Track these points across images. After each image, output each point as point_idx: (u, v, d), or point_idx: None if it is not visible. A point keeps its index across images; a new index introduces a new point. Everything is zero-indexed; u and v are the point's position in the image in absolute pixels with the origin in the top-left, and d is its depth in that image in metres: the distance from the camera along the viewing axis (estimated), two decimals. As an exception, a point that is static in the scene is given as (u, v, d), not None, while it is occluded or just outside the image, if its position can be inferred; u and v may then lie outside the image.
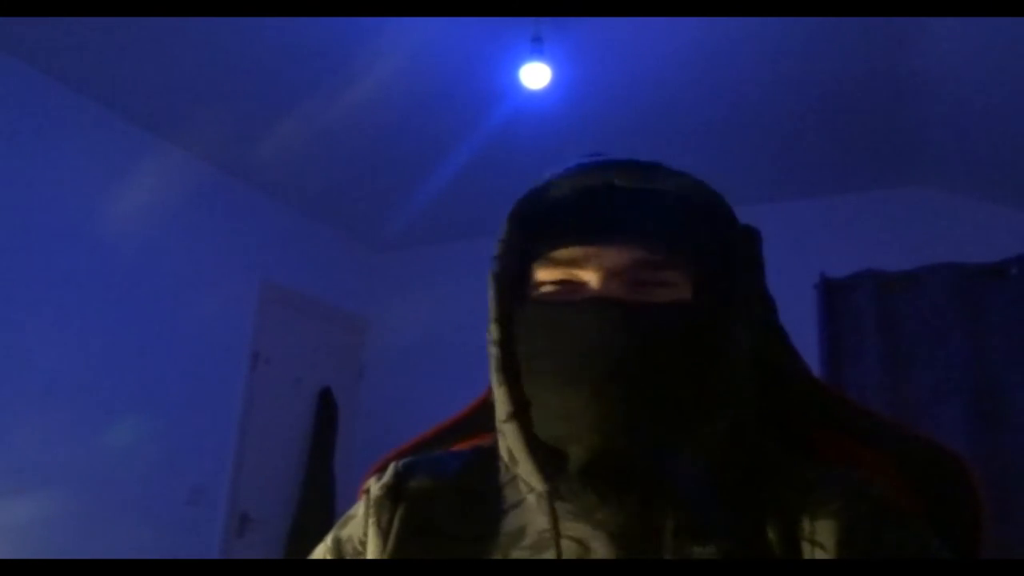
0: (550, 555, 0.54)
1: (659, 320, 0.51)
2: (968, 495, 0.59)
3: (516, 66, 2.46)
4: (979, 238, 2.78)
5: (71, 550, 2.59)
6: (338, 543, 0.63)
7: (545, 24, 2.33)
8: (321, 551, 0.64)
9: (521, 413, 0.55)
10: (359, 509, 0.64)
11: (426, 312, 3.94)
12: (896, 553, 0.50)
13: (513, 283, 0.57)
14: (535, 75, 2.44)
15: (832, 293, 2.70)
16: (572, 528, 0.54)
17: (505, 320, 0.56)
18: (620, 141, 3.03)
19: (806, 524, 0.52)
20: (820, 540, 0.51)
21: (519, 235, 0.57)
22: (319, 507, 3.57)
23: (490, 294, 0.57)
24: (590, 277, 0.53)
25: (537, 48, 2.37)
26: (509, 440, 0.56)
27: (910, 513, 0.53)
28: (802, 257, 2.83)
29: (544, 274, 0.55)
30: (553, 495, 0.53)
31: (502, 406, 0.56)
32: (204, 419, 3.19)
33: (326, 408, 3.82)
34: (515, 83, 2.54)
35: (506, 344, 0.56)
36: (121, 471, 2.83)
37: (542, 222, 0.56)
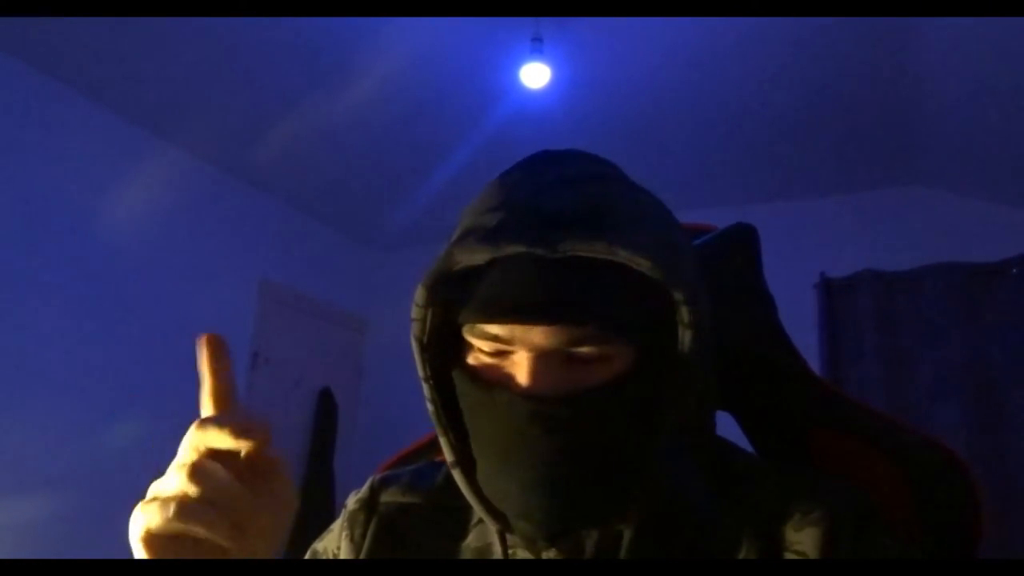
0: None
1: (587, 409, 0.49)
2: (966, 494, 0.59)
3: (516, 66, 2.46)
4: (979, 238, 2.78)
5: (71, 550, 2.59)
6: (315, 556, 0.66)
7: (545, 24, 2.33)
8: None
9: (464, 464, 0.55)
10: (337, 523, 0.66)
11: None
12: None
13: (440, 340, 0.55)
14: (535, 75, 2.44)
15: (832, 293, 2.70)
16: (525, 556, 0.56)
17: (432, 379, 0.55)
18: (619, 141, 3.03)
19: (790, 534, 0.52)
20: (803, 550, 0.51)
21: (436, 300, 0.53)
22: (319, 507, 3.57)
23: (415, 354, 0.56)
24: (520, 359, 0.50)
25: (537, 48, 2.37)
26: (459, 484, 0.56)
27: (894, 522, 0.54)
28: (802, 257, 2.83)
29: (475, 341, 0.52)
30: (505, 530, 0.55)
31: (446, 454, 0.56)
32: (204, 419, 3.18)
33: (326, 408, 3.82)
34: (515, 83, 2.54)
35: (440, 400, 0.55)
36: (121, 471, 2.83)
37: (460, 288, 0.52)
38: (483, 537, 0.59)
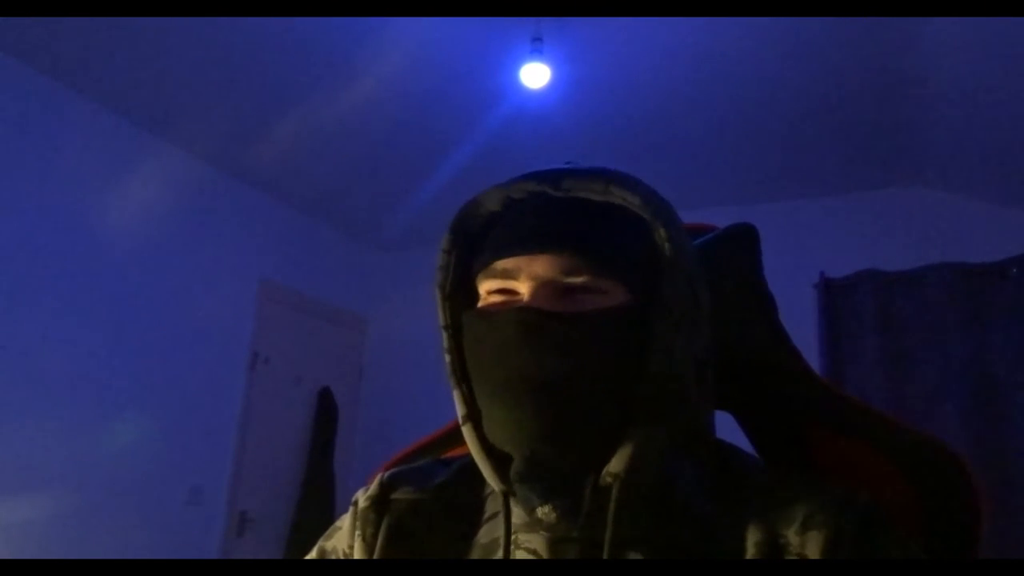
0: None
1: (579, 328, 0.51)
2: (967, 493, 0.59)
3: (516, 66, 2.46)
4: (979, 238, 2.78)
5: (71, 550, 2.59)
6: (323, 554, 0.65)
7: (545, 24, 2.33)
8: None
9: (473, 417, 0.56)
10: (345, 521, 0.65)
11: (426, 312, 3.91)
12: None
13: (460, 291, 0.59)
14: (535, 75, 2.44)
15: (832, 293, 2.71)
16: (529, 539, 0.56)
17: (451, 328, 0.59)
18: (620, 141, 3.03)
19: (793, 537, 0.52)
20: (807, 553, 0.51)
21: (459, 246, 0.59)
22: (319, 507, 3.57)
23: (436, 303, 0.59)
24: (523, 288, 0.54)
25: (537, 48, 2.37)
26: (468, 442, 0.57)
27: (898, 525, 0.53)
28: (802, 257, 2.83)
29: (486, 284, 0.56)
30: (509, 495, 0.55)
31: (458, 409, 0.58)
32: (204, 419, 3.19)
33: (326, 408, 3.82)
34: (515, 83, 2.54)
35: (456, 351, 0.58)
36: (121, 471, 2.83)
37: (479, 233, 0.59)
38: (492, 532, 0.59)
